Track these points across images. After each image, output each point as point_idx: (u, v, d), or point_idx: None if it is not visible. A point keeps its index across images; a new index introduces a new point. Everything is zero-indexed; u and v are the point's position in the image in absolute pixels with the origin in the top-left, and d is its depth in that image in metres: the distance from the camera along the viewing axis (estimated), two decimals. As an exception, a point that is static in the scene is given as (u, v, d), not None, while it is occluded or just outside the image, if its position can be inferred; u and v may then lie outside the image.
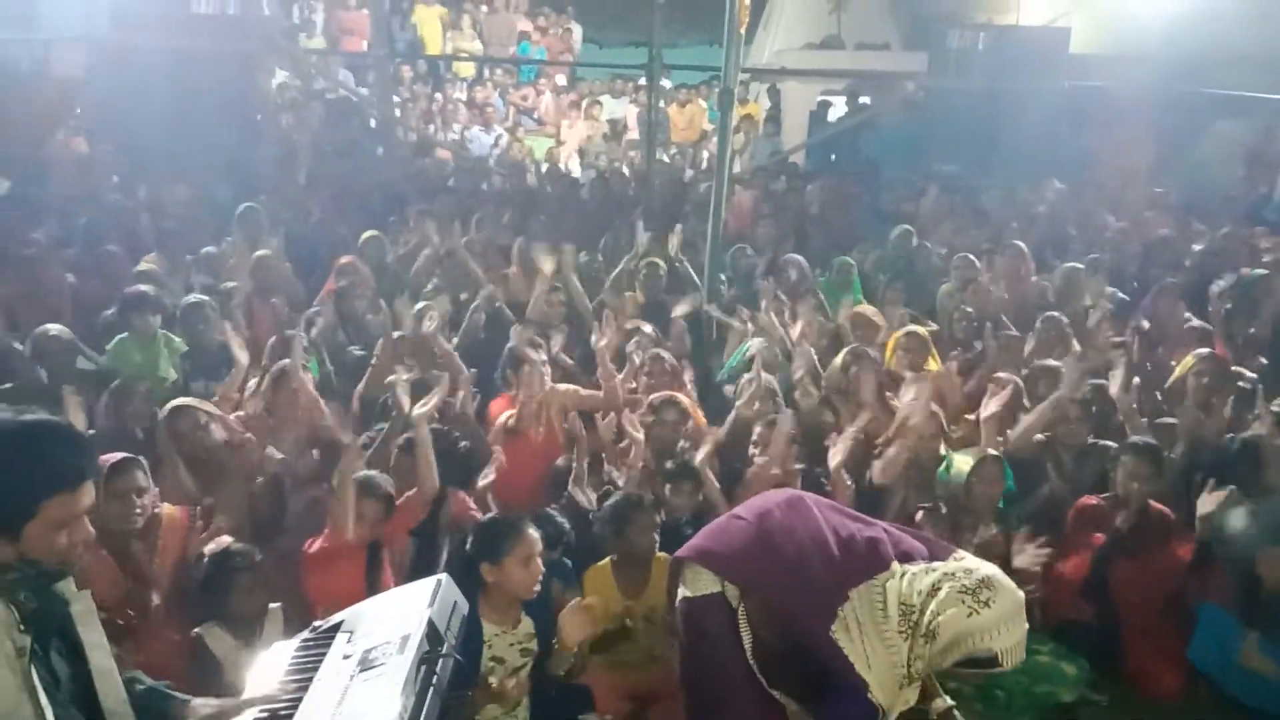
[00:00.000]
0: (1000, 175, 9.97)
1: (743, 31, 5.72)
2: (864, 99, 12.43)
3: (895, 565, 2.46)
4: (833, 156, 11.57)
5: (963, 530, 4.01)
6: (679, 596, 2.64)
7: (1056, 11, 11.06)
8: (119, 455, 3.56)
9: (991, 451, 4.18)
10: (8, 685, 1.93)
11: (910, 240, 7.90)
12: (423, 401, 4.09)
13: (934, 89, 11.16)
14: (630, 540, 3.76)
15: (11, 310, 5.89)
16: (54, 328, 5.18)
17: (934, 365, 5.51)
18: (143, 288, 5.67)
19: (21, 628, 1.98)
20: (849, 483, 4.26)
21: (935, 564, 2.45)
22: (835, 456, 4.27)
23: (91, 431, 4.27)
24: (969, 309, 6.27)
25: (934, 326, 6.35)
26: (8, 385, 4.76)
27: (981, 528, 4.06)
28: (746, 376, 5.01)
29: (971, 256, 7.04)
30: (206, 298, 5.55)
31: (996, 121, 10.45)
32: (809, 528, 2.53)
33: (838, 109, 12.71)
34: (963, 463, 4.08)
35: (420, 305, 5.68)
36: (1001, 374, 4.98)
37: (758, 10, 14.16)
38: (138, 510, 3.50)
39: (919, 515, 4.15)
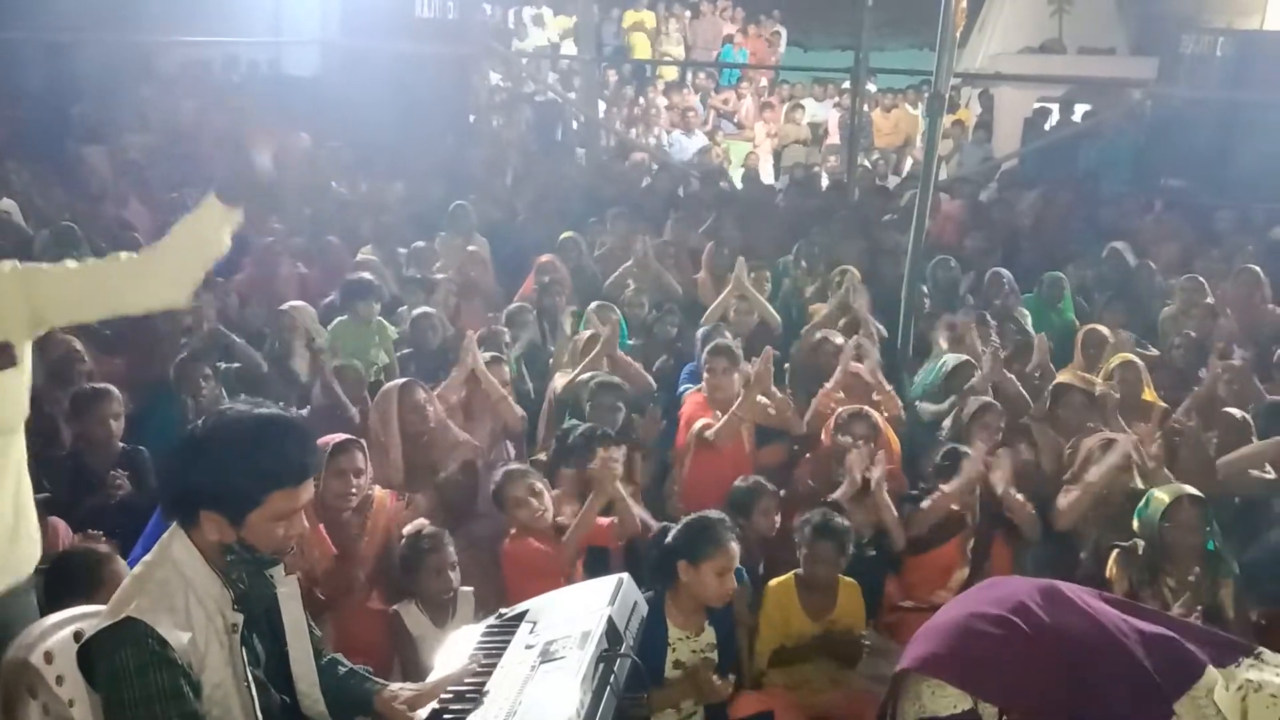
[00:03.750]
0: (1234, 194, 9.18)
1: (958, 34, 5.51)
2: (1085, 106, 11.78)
3: (1210, 669, 2.07)
4: (1048, 166, 11.00)
5: (1161, 575, 3.68)
6: (906, 717, 2.24)
7: (1310, 15, 10.15)
8: (342, 436, 3.74)
9: (1189, 491, 3.74)
10: (218, 659, 2.07)
11: (1129, 258, 7.41)
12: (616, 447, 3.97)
13: (1163, 97, 10.45)
14: (813, 561, 3.65)
15: (245, 294, 6.37)
16: (299, 304, 5.61)
17: (1149, 396, 5.15)
18: (365, 275, 6.00)
19: (235, 606, 2.12)
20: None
21: (1262, 663, 2.06)
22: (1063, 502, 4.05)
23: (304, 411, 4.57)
24: (1193, 335, 5.83)
25: (1154, 352, 5.93)
26: (235, 365, 5.15)
27: (1182, 573, 3.72)
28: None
29: (1200, 279, 6.54)
30: (434, 310, 5.76)
31: (1232, 135, 9.61)
32: (1089, 628, 2.08)
33: (1055, 116, 12.09)
34: (1160, 502, 3.72)
35: (594, 304, 5.76)
36: (1232, 410, 4.59)
37: (973, 12, 13.66)
38: (353, 490, 3.66)
39: (1113, 555, 3.85)
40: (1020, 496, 4.09)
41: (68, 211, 7.27)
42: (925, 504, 4.07)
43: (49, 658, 2.20)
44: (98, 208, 7.64)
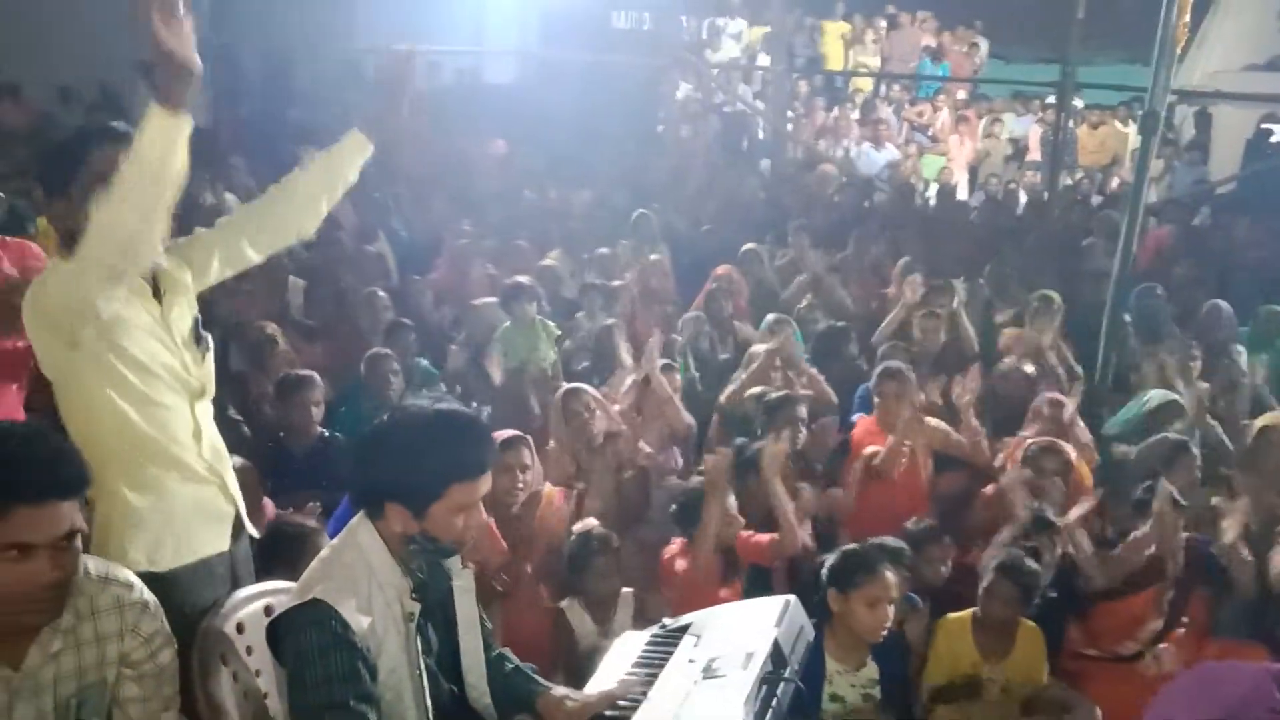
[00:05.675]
0: None
1: (1179, 50, 5.15)
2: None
3: None
4: (1269, 191, 10.15)
5: None
6: None
7: None
8: (510, 432, 3.82)
9: None
10: (394, 645, 2.13)
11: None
12: (772, 439, 3.89)
13: None
14: (992, 600, 3.46)
15: (439, 293, 6.63)
16: (488, 300, 5.82)
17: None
18: (519, 279, 6.08)
19: (413, 595, 2.18)
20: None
21: None
22: None
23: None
24: None
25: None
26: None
27: None
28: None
29: None
30: (616, 320, 5.77)
31: None
32: None
33: (1280, 138, 11.19)
34: None
35: (771, 318, 5.70)
36: None
37: (1193, 27, 12.78)
38: (520, 485, 3.73)
39: None
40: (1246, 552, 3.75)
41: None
42: (1118, 550, 3.77)
43: (240, 628, 2.34)
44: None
